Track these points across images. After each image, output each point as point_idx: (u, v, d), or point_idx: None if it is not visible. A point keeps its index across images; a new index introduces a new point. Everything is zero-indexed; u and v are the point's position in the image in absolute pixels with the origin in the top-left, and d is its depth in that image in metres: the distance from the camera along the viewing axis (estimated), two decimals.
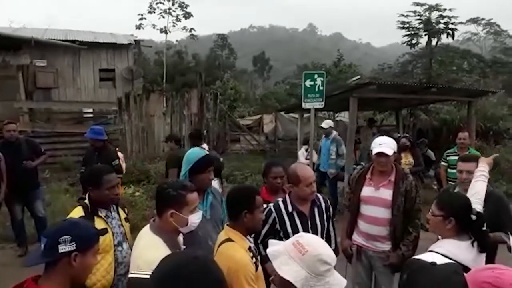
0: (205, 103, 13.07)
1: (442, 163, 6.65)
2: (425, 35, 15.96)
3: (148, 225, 2.27)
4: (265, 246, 3.12)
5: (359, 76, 13.58)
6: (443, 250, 2.25)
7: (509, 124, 13.82)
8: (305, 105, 9.03)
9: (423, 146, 10.09)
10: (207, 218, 2.84)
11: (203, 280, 1.21)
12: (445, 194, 2.65)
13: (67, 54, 14.30)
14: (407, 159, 7.25)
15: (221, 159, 7.03)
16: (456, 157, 6.48)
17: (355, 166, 10.40)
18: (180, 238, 2.35)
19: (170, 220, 2.14)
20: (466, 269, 2.28)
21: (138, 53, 17.83)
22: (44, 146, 7.76)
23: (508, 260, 2.76)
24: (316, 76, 9.04)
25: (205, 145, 7.02)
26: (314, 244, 1.68)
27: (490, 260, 2.61)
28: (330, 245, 3.26)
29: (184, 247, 2.33)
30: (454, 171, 6.52)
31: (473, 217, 2.34)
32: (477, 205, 2.56)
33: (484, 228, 2.36)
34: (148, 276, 1.37)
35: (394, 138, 5.38)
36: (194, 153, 3.01)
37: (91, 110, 13.94)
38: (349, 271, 3.86)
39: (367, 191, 3.50)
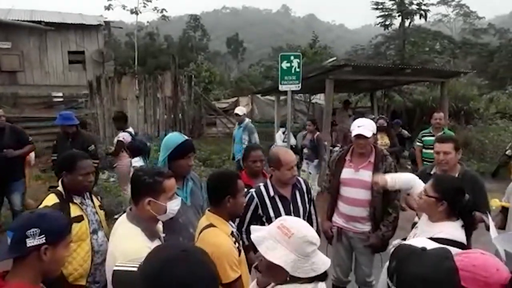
0: (179, 86, 12.81)
1: (417, 143, 6.75)
2: (399, 16, 16.07)
3: (124, 214, 2.18)
4: (249, 234, 3.10)
5: (334, 58, 13.60)
6: (445, 234, 2.28)
7: (478, 104, 14.20)
8: (282, 87, 8.95)
9: (398, 127, 10.25)
10: (187, 205, 2.77)
11: (193, 276, 1.16)
12: (441, 177, 2.68)
13: (32, 36, 13.65)
14: (383, 140, 7.33)
15: (148, 143, 6.93)
16: (432, 138, 6.61)
17: (331, 148, 10.53)
18: (160, 226, 2.28)
19: (147, 208, 2.05)
20: (466, 248, 2.34)
21: (108, 35, 17.23)
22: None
23: (478, 236, 2.83)
24: (292, 57, 8.95)
25: (130, 129, 6.85)
26: (299, 226, 1.70)
27: (467, 238, 2.66)
28: (312, 226, 3.30)
29: (164, 235, 2.25)
30: (430, 151, 6.66)
31: (465, 202, 2.38)
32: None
33: (474, 214, 2.43)
34: (134, 269, 1.30)
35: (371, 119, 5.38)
36: (173, 138, 2.91)
37: (61, 94, 13.46)
38: (329, 253, 3.90)
39: (347, 173, 3.50)
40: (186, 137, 2.95)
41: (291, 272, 1.61)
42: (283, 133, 9.92)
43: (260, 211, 3.02)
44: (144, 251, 1.94)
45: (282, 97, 12.16)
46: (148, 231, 2.05)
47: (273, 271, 1.66)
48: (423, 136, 6.71)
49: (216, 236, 2.22)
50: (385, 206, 3.42)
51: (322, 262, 1.69)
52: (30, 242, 1.56)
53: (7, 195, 5.57)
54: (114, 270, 1.43)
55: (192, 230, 2.58)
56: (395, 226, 3.45)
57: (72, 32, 14.18)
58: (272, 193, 3.02)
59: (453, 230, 2.32)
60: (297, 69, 8.93)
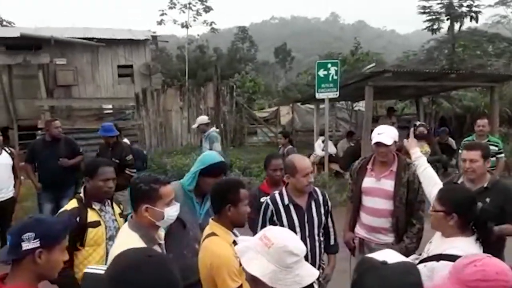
0: (221, 96, 13.06)
1: (460, 151, 6.41)
2: (447, 19, 15.38)
3: (127, 222, 2.25)
4: None
5: (373, 64, 13.23)
6: (457, 250, 2.12)
7: None
8: (319, 95, 8.91)
9: (444, 135, 9.77)
10: (199, 221, 2.81)
11: (156, 282, 1.16)
12: (447, 188, 2.51)
13: (86, 52, 14.51)
14: (423, 149, 7.00)
15: (145, 152, 7.01)
16: None
17: None
18: (161, 233, 2.33)
19: (145, 215, 2.12)
20: None
21: (156, 49, 17.93)
22: None
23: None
24: (329, 65, 8.90)
25: (125, 139, 7.02)
26: (281, 236, 1.63)
27: (499, 253, 2.48)
28: (329, 241, 3.22)
29: (163, 242, 2.29)
30: None
31: (477, 212, 2.21)
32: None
33: (489, 224, 2.24)
34: (102, 272, 1.34)
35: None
36: (211, 156, 2.98)
37: (110, 106, 14.16)
38: (353, 264, 3.78)
39: (368, 182, 3.39)
40: (223, 159, 3.03)
41: (270, 284, 1.56)
42: (323, 141, 9.79)
43: (275, 218, 2.99)
44: None
45: (321, 105, 12.02)
46: (147, 237, 2.10)
47: (256, 283, 1.61)
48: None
49: (216, 245, 2.22)
50: (409, 217, 3.27)
51: (308, 274, 1.62)
52: (25, 246, 1.63)
53: (58, 200, 5.94)
54: (84, 272, 1.47)
55: (197, 246, 2.60)
56: (420, 237, 3.28)
57: (121, 47, 14.92)
58: (286, 201, 2.99)
59: (467, 245, 2.14)
60: (335, 77, 8.84)
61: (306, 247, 2.96)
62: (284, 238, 1.61)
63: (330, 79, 8.84)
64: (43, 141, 5.84)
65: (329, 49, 25.00)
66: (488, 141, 6.14)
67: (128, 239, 2.07)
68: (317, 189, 3.16)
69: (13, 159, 5.35)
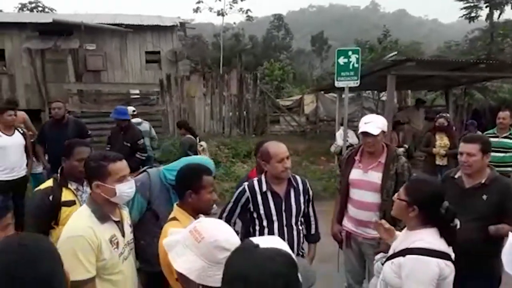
0: (245, 83, 12.99)
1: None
2: (486, 7, 14.54)
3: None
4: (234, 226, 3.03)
5: (395, 52, 12.69)
6: (424, 243, 2.07)
7: None
8: (338, 84, 8.64)
9: (473, 128, 9.32)
10: None
11: (24, 273, 1.08)
12: (417, 179, 2.38)
13: (114, 38, 14.78)
14: (442, 141, 6.71)
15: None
16: (496, 139, 5.91)
17: (399, 148, 9.89)
18: (124, 211, 2.36)
19: (97, 192, 2.14)
20: (449, 256, 2.11)
21: (184, 36, 18.01)
22: (91, 126, 8.04)
23: None
24: (350, 53, 8.59)
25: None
26: (212, 229, 1.53)
27: (497, 252, 2.31)
28: (310, 229, 3.12)
29: (122, 220, 2.30)
30: (493, 154, 5.96)
31: (442, 211, 2.10)
32: None
33: (454, 224, 2.13)
34: None
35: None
36: (198, 160, 3.00)
37: (137, 91, 14.42)
38: (341, 257, 3.67)
39: (355, 174, 3.25)
40: (211, 162, 3.05)
41: (197, 281, 1.47)
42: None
43: (250, 205, 2.91)
44: (82, 230, 2.02)
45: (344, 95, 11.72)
46: (98, 213, 2.13)
47: (184, 279, 1.53)
48: None
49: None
50: None
51: None
52: None
53: None
54: None
55: None
56: None
57: (149, 33, 15.08)
58: (264, 188, 2.90)
59: (432, 238, 2.06)
60: (355, 65, 8.54)
61: (283, 235, 2.92)
62: (215, 232, 1.51)
63: (351, 67, 8.54)
64: (51, 123, 5.98)
65: (367, 38, 24.30)
66: (510, 134, 5.79)
67: (79, 213, 2.14)
68: (297, 177, 3.06)
69: (25, 139, 5.52)
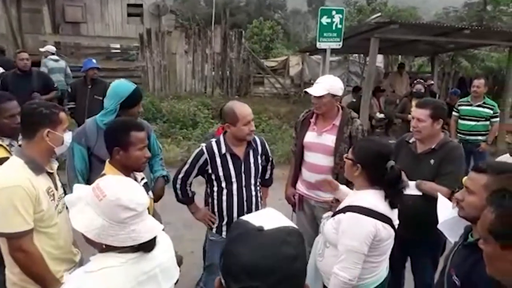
0: (229, 41, 12.58)
1: (454, 113, 6.02)
2: None
3: (14, 151, 2.22)
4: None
5: (379, 14, 12.32)
6: (364, 202, 2.06)
7: None
8: (320, 45, 8.38)
9: (455, 97, 9.18)
10: None
11: None
12: (364, 139, 2.36)
13: None
14: None
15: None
16: (469, 107, 5.85)
17: (378, 113, 9.81)
18: (54, 165, 2.24)
19: (46, 140, 2.06)
20: (390, 220, 2.08)
21: None
22: (70, 81, 7.82)
23: None
24: (334, 12, 8.28)
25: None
26: (115, 187, 1.44)
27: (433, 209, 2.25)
28: (265, 175, 3.12)
29: (54, 171, 2.22)
30: (465, 122, 5.92)
31: (387, 168, 2.06)
32: None
33: (401, 187, 2.11)
34: None
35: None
36: (124, 86, 2.82)
37: (118, 45, 13.94)
38: (294, 220, 3.63)
39: (310, 136, 3.15)
40: (135, 85, 2.87)
41: (95, 239, 1.41)
42: None
43: (209, 167, 2.84)
44: (18, 181, 1.93)
45: (331, 58, 11.44)
46: (33, 163, 2.03)
47: (89, 240, 1.46)
48: (460, 105, 5.97)
49: None
50: None
51: (147, 230, 1.46)
52: None
53: None
54: None
55: None
56: None
57: None
58: (223, 150, 2.82)
59: (374, 199, 2.06)
60: (339, 26, 8.25)
61: (242, 196, 2.86)
62: (118, 190, 1.43)
63: (334, 27, 8.26)
64: (14, 74, 5.74)
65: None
66: (484, 103, 5.73)
67: (9, 164, 2.02)
68: (257, 137, 2.99)
69: None
